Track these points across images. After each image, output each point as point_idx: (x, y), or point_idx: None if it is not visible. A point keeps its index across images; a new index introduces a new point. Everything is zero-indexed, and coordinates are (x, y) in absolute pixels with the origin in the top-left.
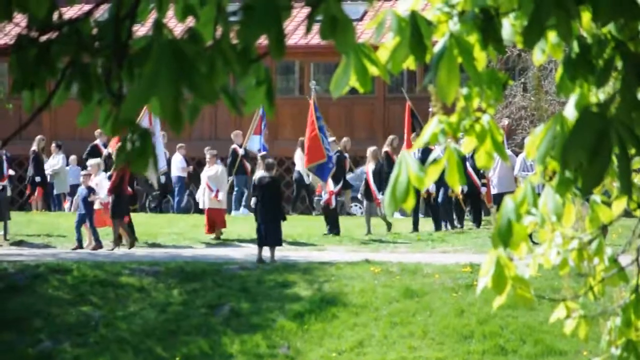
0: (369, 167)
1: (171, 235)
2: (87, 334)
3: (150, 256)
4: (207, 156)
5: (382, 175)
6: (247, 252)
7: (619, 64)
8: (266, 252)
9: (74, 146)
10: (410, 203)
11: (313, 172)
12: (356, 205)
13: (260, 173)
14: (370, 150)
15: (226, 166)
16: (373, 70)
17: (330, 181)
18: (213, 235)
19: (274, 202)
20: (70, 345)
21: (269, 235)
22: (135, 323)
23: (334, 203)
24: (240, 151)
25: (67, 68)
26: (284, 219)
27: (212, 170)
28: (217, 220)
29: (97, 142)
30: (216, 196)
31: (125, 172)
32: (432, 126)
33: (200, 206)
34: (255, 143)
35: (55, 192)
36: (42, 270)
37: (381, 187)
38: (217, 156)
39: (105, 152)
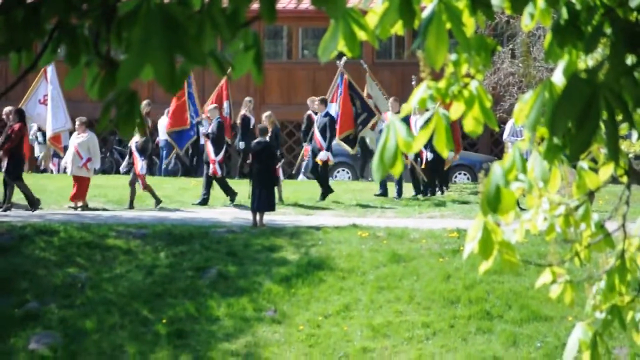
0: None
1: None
2: (73, 295)
3: (138, 218)
4: (77, 123)
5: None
6: (235, 215)
7: (607, 30)
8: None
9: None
10: (398, 168)
11: (172, 137)
12: (343, 170)
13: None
14: (265, 115)
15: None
16: (361, 35)
17: (211, 150)
18: (73, 204)
19: (267, 167)
20: (57, 306)
21: (261, 200)
22: (121, 285)
23: (219, 171)
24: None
25: (55, 30)
26: (276, 184)
27: (83, 138)
28: (80, 190)
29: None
30: (85, 165)
31: (25, 133)
32: (421, 91)
33: (68, 172)
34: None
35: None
36: (28, 232)
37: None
38: (86, 123)
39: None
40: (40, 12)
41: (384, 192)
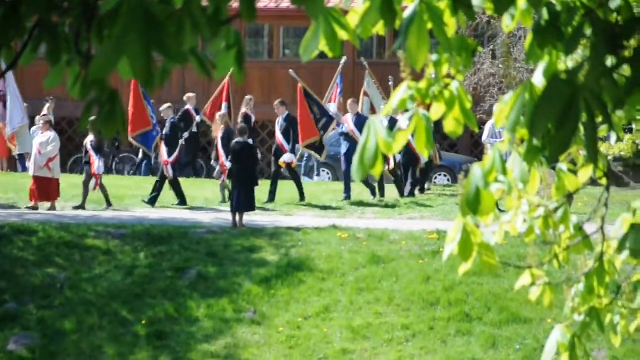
0: (219, 132)
1: (138, 198)
2: (52, 296)
3: (117, 218)
4: (40, 123)
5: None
6: (215, 216)
7: (588, 31)
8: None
9: (41, 107)
10: (378, 169)
11: (137, 141)
12: (324, 171)
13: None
14: (219, 115)
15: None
16: (343, 35)
17: (165, 151)
18: (32, 204)
19: (247, 167)
20: (35, 307)
21: (240, 200)
22: (101, 286)
23: (171, 173)
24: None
25: (35, 28)
26: (257, 184)
27: (45, 137)
28: (49, 190)
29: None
30: (47, 164)
31: None
32: (401, 92)
33: (30, 173)
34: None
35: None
36: (6, 231)
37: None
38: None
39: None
40: (20, 10)
41: (348, 196)
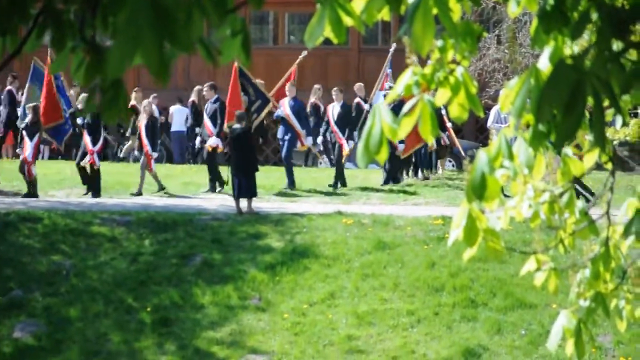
0: (143, 122)
1: (143, 186)
2: (57, 283)
3: (122, 206)
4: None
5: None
6: (220, 202)
7: (594, 16)
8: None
9: None
10: (383, 155)
11: (49, 134)
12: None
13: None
14: (145, 102)
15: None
16: (347, 21)
17: (89, 140)
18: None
19: (246, 153)
20: (41, 294)
21: (243, 187)
22: (106, 273)
23: (97, 161)
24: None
25: (40, 15)
26: (257, 169)
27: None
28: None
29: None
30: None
31: None
32: (406, 78)
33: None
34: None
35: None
36: (12, 219)
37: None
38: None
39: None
40: None
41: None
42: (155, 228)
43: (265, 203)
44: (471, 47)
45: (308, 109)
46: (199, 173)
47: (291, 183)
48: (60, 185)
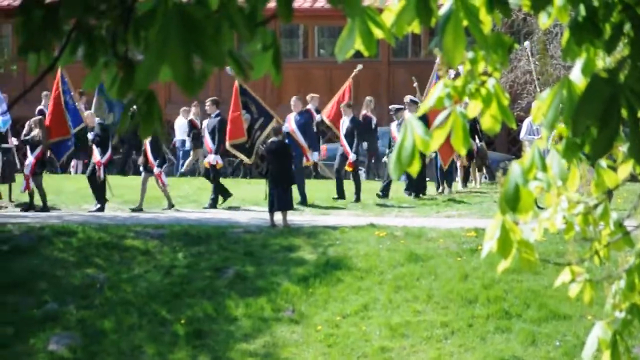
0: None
1: (176, 199)
2: (92, 296)
3: (155, 219)
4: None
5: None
6: (252, 215)
7: (626, 26)
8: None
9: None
10: (415, 167)
11: (51, 150)
12: (359, 169)
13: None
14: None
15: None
16: (378, 33)
17: (97, 152)
18: None
19: (283, 166)
20: (75, 307)
21: (279, 199)
22: (140, 286)
23: (102, 174)
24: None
25: (73, 31)
26: (294, 183)
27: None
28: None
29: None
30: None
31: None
32: (438, 90)
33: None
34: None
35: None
36: (46, 233)
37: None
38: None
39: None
40: (58, 13)
41: (303, 201)
42: (188, 241)
43: (297, 216)
44: (502, 59)
45: (360, 120)
46: (236, 186)
47: (303, 200)
48: (87, 200)
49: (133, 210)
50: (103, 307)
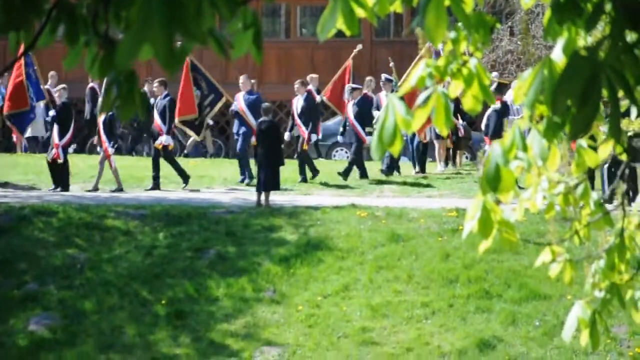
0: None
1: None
2: (72, 276)
3: (136, 199)
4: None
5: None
6: (233, 196)
7: (607, 6)
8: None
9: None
10: (397, 147)
11: (11, 121)
12: (342, 149)
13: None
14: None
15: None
16: (360, 13)
17: (56, 133)
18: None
19: (273, 146)
20: (56, 287)
21: (267, 179)
22: (120, 266)
23: (62, 156)
24: (318, 98)
25: (53, 9)
26: (283, 163)
27: None
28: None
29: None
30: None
31: None
32: (420, 70)
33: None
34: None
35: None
36: (27, 212)
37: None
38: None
39: (317, 98)
40: None
41: (245, 179)
42: (169, 221)
43: (278, 196)
44: (484, 38)
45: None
46: (211, 166)
47: (249, 177)
48: (74, 180)
49: (88, 191)
50: (83, 287)
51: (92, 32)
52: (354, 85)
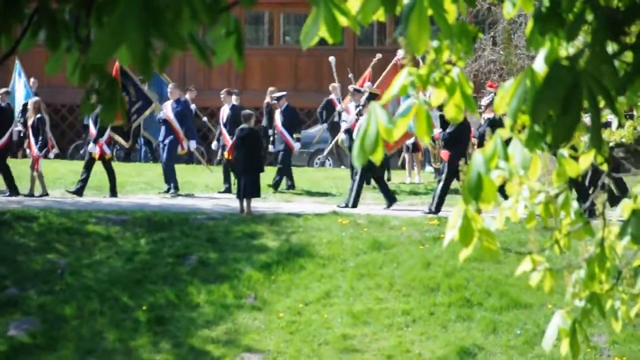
0: (30, 121)
1: (139, 185)
2: (53, 281)
3: (117, 205)
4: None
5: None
6: (215, 202)
7: (589, 17)
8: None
9: (42, 94)
10: (379, 155)
11: None
12: (328, 160)
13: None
14: (31, 102)
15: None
16: (343, 21)
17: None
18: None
19: (253, 153)
20: (36, 292)
21: (247, 186)
22: (101, 272)
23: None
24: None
25: (35, 14)
26: (262, 170)
27: None
28: None
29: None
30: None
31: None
32: (402, 78)
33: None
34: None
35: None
36: (7, 217)
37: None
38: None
39: (338, 107)
40: None
41: (172, 188)
42: (150, 227)
43: (260, 203)
44: (467, 48)
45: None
46: (198, 173)
47: (175, 187)
48: (55, 185)
49: (39, 196)
50: (64, 292)
51: (73, 37)
52: (280, 94)
